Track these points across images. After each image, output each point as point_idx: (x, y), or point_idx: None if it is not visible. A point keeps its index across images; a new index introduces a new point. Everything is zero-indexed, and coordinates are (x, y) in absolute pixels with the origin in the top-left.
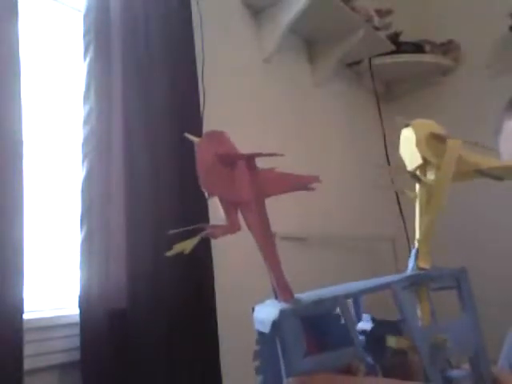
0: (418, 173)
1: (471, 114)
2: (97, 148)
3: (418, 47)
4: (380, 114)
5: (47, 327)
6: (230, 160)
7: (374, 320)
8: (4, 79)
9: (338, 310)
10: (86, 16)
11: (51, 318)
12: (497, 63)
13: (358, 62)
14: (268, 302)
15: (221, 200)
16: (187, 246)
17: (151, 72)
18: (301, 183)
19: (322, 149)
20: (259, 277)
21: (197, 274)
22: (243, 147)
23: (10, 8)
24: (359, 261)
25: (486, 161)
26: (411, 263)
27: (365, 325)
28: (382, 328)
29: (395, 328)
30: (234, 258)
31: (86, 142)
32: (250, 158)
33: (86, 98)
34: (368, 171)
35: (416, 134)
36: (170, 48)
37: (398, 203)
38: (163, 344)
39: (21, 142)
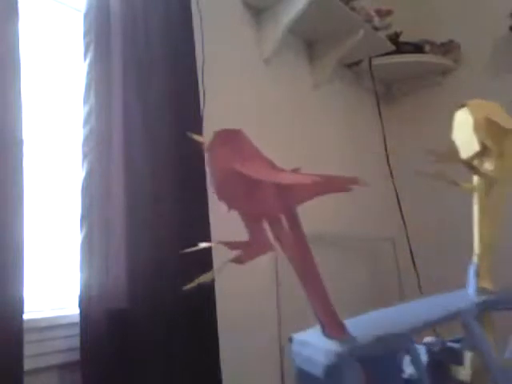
0: (475, 162)
1: None
2: (97, 148)
3: (417, 47)
4: (380, 114)
5: (47, 327)
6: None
7: (429, 350)
8: (4, 79)
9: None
10: (86, 16)
11: (51, 318)
12: (497, 63)
13: (357, 63)
14: (311, 332)
15: (243, 214)
16: (209, 277)
17: (151, 72)
18: (338, 186)
19: (322, 149)
20: (260, 277)
21: (197, 274)
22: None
23: (10, 8)
24: (359, 260)
25: None
26: (472, 284)
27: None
28: (440, 356)
29: (455, 355)
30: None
31: (86, 141)
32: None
33: (86, 97)
34: (368, 171)
35: (473, 116)
36: (170, 48)
37: (398, 203)
38: (163, 344)
39: (21, 142)
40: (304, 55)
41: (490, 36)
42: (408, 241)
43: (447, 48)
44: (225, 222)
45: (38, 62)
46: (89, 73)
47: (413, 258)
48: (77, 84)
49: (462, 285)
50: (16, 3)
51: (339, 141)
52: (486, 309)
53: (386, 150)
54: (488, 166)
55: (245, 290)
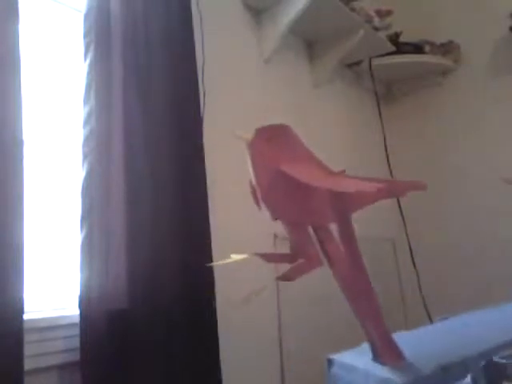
0: None
1: (471, 114)
2: (97, 148)
3: (417, 48)
4: (380, 115)
5: (47, 328)
6: (307, 187)
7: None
8: (4, 79)
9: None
10: (86, 16)
11: (51, 319)
12: (497, 63)
13: (357, 63)
14: (355, 355)
15: (290, 224)
16: (258, 292)
17: (151, 72)
18: (400, 191)
19: (322, 149)
20: (260, 277)
21: (197, 274)
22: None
23: (10, 8)
24: None
25: None
26: None
27: None
28: (492, 372)
29: (502, 371)
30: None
31: (87, 142)
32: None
33: (86, 98)
34: (368, 171)
35: None
36: (170, 48)
37: (399, 204)
38: (163, 344)
39: (21, 143)
40: (304, 55)
41: (489, 36)
42: (408, 241)
43: (447, 48)
44: (225, 222)
45: (38, 62)
46: (89, 73)
47: (413, 258)
48: (77, 84)
49: (462, 285)
50: (16, 3)
51: (339, 141)
52: None
53: (386, 150)
54: None
55: (245, 290)
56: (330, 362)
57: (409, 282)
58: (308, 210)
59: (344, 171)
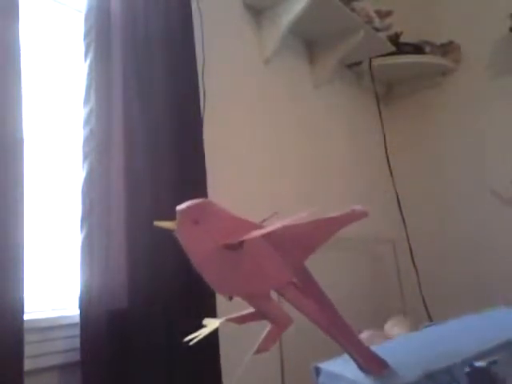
0: None
1: (471, 114)
2: (97, 148)
3: (418, 48)
4: (380, 115)
5: (47, 328)
6: (237, 244)
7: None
8: (5, 80)
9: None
10: (86, 17)
11: (51, 319)
12: (497, 64)
13: (358, 63)
14: (341, 363)
15: (248, 297)
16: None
17: (151, 72)
18: (347, 221)
19: (322, 149)
20: None
21: (197, 274)
22: (243, 148)
23: (10, 9)
24: (360, 262)
25: None
26: None
27: None
28: (476, 379)
29: (491, 377)
30: None
31: (87, 142)
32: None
33: (86, 98)
34: (368, 171)
35: None
36: (170, 49)
37: (399, 204)
38: (163, 344)
39: (21, 143)
40: (304, 56)
41: (490, 37)
42: (408, 241)
43: (447, 49)
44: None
45: (39, 62)
46: (89, 73)
47: (413, 258)
48: (77, 85)
49: (462, 285)
50: (17, 4)
51: (339, 141)
52: None
53: (385, 150)
54: None
55: None
56: (318, 371)
57: (409, 282)
58: (261, 276)
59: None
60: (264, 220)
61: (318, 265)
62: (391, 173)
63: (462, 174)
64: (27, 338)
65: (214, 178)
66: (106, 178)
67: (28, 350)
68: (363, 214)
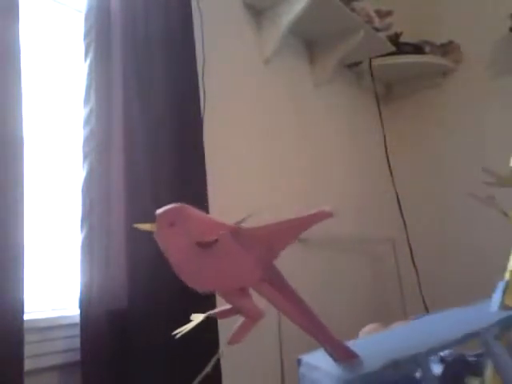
0: None
1: (471, 114)
2: (97, 148)
3: (418, 48)
4: (380, 115)
5: (47, 328)
6: (209, 242)
7: (443, 360)
8: (5, 80)
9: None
10: (86, 17)
11: (51, 319)
12: (497, 64)
13: (358, 63)
14: (320, 355)
15: (222, 292)
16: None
17: (151, 73)
18: (313, 221)
19: (322, 150)
20: None
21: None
22: (243, 148)
23: (10, 9)
24: (360, 261)
25: None
26: (496, 300)
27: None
28: (456, 367)
29: (470, 367)
30: None
31: (87, 142)
32: (231, 227)
33: (86, 98)
34: (368, 171)
35: None
36: (170, 49)
37: (399, 204)
38: (163, 344)
39: (21, 142)
40: (304, 56)
41: (490, 37)
42: (408, 241)
43: (447, 49)
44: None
45: (39, 62)
46: (89, 73)
47: (413, 258)
48: (77, 85)
49: (462, 285)
50: (17, 4)
51: (339, 141)
52: (508, 327)
53: (386, 150)
54: None
55: None
56: (299, 362)
57: (409, 282)
58: (234, 273)
59: (245, 219)
60: (238, 222)
61: (319, 264)
62: (391, 173)
63: (462, 174)
64: (27, 337)
65: (214, 178)
66: (106, 177)
67: (28, 349)
68: (329, 215)
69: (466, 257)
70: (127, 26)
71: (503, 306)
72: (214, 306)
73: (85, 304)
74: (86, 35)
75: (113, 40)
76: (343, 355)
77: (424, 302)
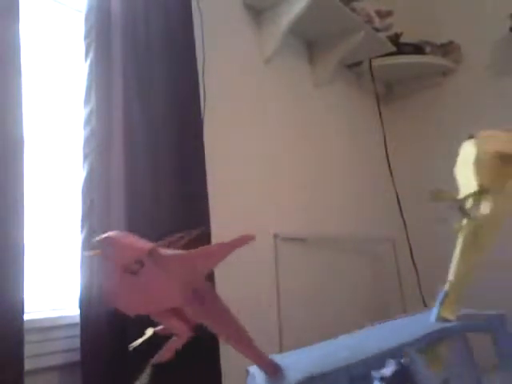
0: (469, 202)
1: (471, 114)
2: (97, 149)
3: (418, 48)
4: (380, 115)
5: (48, 328)
6: (134, 267)
7: (383, 378)
8: (5, 80)
9: None
10: (86, 17)
11: (52, 319)
12: (497, 64)
13: (358, 63)
14: (257, 371)
15: (151, 315)
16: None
17: (152, 73)
18: (235, 246)
19: (322, 150)
20: (260, 279)
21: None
22: (243, 148)
23: (11, 9)
24: (360, 261)
25: None
26: (436, 309)
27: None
28: (395, 382)
29: (409, 377)
30: (234, 261)
31: (87, 142)
32: (152, 252)
33: (86, 98)
34: (368, 172)
35: (478, 151)
36: (170, 49)
37: (399, 204)
38: (163, 344)
39: (22, 143)
40: (304, 56)
41: (490, 37)
42: (408, 241)
43: (447, 49)
44: (225, 222)
45: (39, 63)
46: (89, 74)
47: (413, 258)
48: (77, 85)
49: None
50: (17, 4)
51: (339, 141)
52: (440, 339)
53: (386, 150)
54: (484, 207)
55: (246, 291)
56: (247, 372)
57: (409, 282)
58: (156, 298)
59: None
60: (170, 241)
61: (319, 264)
62: (391, 173)
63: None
64: (27, 338)
65: (214, 178)
66: (106, 177)
67: (28, 349)
68: (251, 238)
69: None
70: (127, 26)
71: (439, 318)
72: None
73: (85, 304)
74: (87, 35)
75: (113, 40)
76: (268, 369)
77: (424, 301)
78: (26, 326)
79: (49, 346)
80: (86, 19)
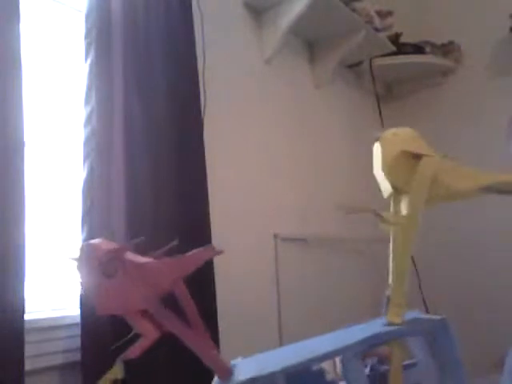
0: (390, 204)
1: (471, 114)
2: (98, 148)
3: (418, 48)
4: (380, 115)
5: (48, 328)
6: (110, 270)
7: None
8: (5, 80)
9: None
10: (87, 17)
11: (52, 319)
12: (497, 64)
13: (358, 63)
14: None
15: (124, 315)
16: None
17: (152, 73)
18: (201, 259)
19: (323, 150)
20: (260, 279)
21: (198, 275)
22: (243, 148)
23: (11, 9)
24: (358, 261)
25: (489, 176)
26: (382, 317)
27: None
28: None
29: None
30: (234, 261)
31: (87, 142)
32: (118, 252)
33: (87, 98)
34: (368, 171)
35: (384, 153)
36: (170, 49)
37: None
38: (163, 344)
39: (22, 143)
40: (305, 56)
41: (490, 37)
42: None
43: (448, 49)
44: (226, 223)
45: (40, 62)
46: (90, 73)
47: (413, 258)
48: (78, 85)
49: (462, 285)
50: (17, 4)
51: (340, 141)
52: (380, 343)
53: None
54: (404, 205)
55: (246, 291)
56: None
57: (409, 282)
58: (127, 301)
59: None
60: (135, 242)
61: (318, 264)
62: None
63: None
64: (28, 338)
65: (214, 178)
66: (106, 177)
67: (28, 349)
68: (218, 252)
69: (466, 257)
70: (128, 26)
71: (388, 323)
72: (214, 306)
73: (85, 304)
74: (87, 35)
75: (113, 40)
76: (220, 372)
77: (424, 301)
78: (26, 325)
79: (49, 345)
80: (87, 19)
